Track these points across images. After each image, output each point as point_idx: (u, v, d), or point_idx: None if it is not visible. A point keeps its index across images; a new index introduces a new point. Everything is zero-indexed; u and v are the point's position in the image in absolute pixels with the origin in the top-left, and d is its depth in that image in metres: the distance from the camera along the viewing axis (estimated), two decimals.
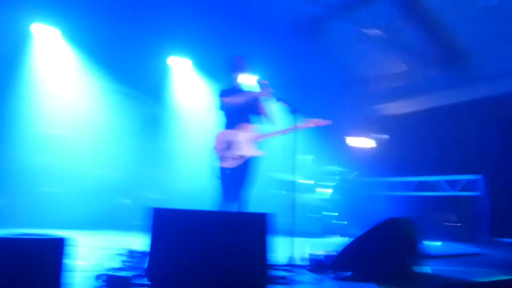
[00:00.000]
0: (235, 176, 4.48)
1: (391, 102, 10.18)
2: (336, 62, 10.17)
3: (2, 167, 6.94)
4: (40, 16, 7.63)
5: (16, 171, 7.02)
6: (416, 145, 9.26)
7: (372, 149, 10.00)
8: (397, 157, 9.51)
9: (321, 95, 9.88)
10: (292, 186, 4.46)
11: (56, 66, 7.88)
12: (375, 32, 7.96)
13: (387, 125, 10.36)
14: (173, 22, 8.45)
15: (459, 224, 7.72)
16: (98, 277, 2.87)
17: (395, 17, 7.92)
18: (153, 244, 2.85)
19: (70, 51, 8.02)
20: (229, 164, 4.44)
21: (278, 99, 4.24)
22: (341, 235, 7.48)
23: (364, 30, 8.14)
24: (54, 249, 2.04)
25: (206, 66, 8.96)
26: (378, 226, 3.66)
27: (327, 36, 9.48)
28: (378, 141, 10.13)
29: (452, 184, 8.13)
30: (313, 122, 4.64)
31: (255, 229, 3.02)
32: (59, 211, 6.85)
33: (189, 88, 9.22)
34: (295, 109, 3.99)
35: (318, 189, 8.46)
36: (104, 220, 7.27)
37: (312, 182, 8.48)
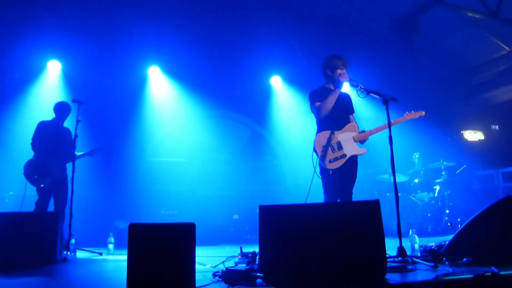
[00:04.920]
0: (338, 177, 4.43)
1: (498, 88, 9.48)
2: (439, 53, 9.79)
3: (124, 194, 7.80)
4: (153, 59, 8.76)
5: (136, 197, 7.85)
6: None
7: (480, 140, 9.37)
8: (509, 146, 8.80)
9: (425, 90, 9.63)
10: (397, 186, 4.05)
11: (166, 100, 8.83)
12: (480, 13, 7.50)
13: (496, 113, 9.64)
14: (269, 43, 8.94)
15: None
16: (214, 274, 3.15)
17: None
18: (262, 239, 2.96)
19: (174, 84, 8.94)
20: (331, 165, 4.37)
21: (368, 93, 4.25)
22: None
23: (468, 14, 7.72)
24: (187, 232, 2.41)
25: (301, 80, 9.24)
26: (495, 206, 3.47)
27: (427, 27, 9.18)
28: (486, 131, 9.47)
29: None
30: (407, 116, 4.58)
31: (369, 217, 2.99)
32: None
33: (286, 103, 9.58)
34: (386, 99, 3.97)
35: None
36: (219, 236, 7.75)
37: (416, 180, 8.21)
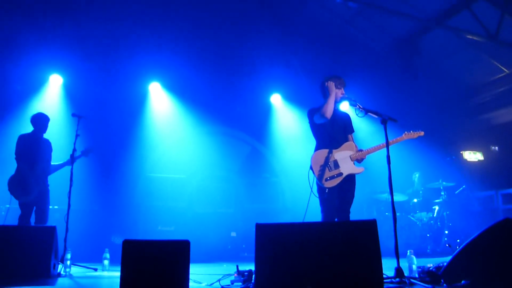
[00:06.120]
0: (336, 195, 4.40)
1: (498, 110, 9.53)
2: (439, 74, 9.86)
3: (121, 209, 7.76)
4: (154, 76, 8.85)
5: (133, 212, 7.81)
6: None
7: (480, 161, 9.36)
8: (508, 167, 8.79)
9: (424, 111, 9.66)
10: (396, 206, 3.99)
11: (166, 116, 8.90)
12: (479, 36, 7.62)
13: (495, 135, 9.66)
14: (270, 61, 9.03)
15: None
16: None
17: (497, 16, 7.52)
18: (258, 258, 2.95)
19: (175, 100, 8.99)
20: (328, 183, 4.34)
21: (367, 112, 4.27)
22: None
23: (468, 36, 7.82)
24: (182, 249, 2.38)
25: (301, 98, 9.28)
26: (493, 228, 3.44)
27: (428, 48, 9.27)
28: (486, 152, 9.47)
29: None
30: (405, 136, 4.58)
31: (366, 236, 2.98)
32: None
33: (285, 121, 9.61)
34: (385, 119, 3.98)
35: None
36: (216, 253, 7.68)
37: (415, 200, 8.17)
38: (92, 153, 6.07)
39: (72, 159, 5.59)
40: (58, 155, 6.08)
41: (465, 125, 10.05)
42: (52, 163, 5.95)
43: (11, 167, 5.73)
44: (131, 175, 8.16)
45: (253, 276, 3.08)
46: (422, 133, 4.58)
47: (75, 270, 5.17)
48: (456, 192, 8.35)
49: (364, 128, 8.43)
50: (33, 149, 5.74)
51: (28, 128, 5.92)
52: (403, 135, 4.56)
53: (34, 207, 5.63)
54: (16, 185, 5.51)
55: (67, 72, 8.27)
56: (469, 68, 9.34)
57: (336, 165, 4.44)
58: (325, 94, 4.69)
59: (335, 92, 4.57)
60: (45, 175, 5.79)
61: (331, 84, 4.60)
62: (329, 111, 4.47)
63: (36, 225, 5.49)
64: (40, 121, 5.87)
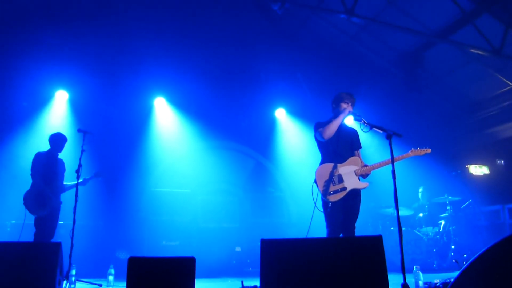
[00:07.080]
0: (340, 210, 4.37)
1: (503, 123, 9.50)
2: (443, 88, 9.87)
3: (126, 224, 7.75)
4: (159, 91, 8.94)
5: (138, 227, 7.80)
6: None
7: (485, 175, 9.31)
8: None
9: (429, 125, 9.65)
10: (402, 220, 3.91)
11: (171, 130, 8.95)
12: (483, 50, 7.66)
13: (501, 148, 9.62)
14: (275, 75, 9.09)
15: None
16: None
17: (501, 30, 7.57)
18: (263, 274, 2.91)
19: (179, 115, 9.05)
20: (331, 197, 4.34)
21: (371, 127, 4.27)
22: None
23: (472, 50, 7.86)
24: (187, 266, 2.38)
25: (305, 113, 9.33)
26: (501, 243, 3.40)
27: (432, 63, 9.26)
28: (492, 166, 9.42)
29: None
30: (412, 152, 4.56)
31: (372, 252, 2.96)
32: None
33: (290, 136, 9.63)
34: (389, 134, 3.98)
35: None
36: (221, 268, 7.64)
37: (421, 214, 8.11)
38: (102, 176, 6.20)
39: (78, 176, 5.61)
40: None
41: (471, 139, 10.03)
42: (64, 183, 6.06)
43: (18, 182, 5.77)
44: (136, 189, 8.17)
45: None
46: (429, 151, 4.54)
47: (80, 286, 5.16)
48: (462, 207, 8.29)
49: (370, 143, 8.43)
50: (49, 167, 5.86)
51: (35, 144, 5.99)
52: (409, 151, 4.52)
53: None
54: (32, 200, 5.59)
55: (73, 87, 8.35)
56: (474, 82, 9.34)
57: (340, 179, 4.44)
58: (333, 108, 4.75)
59: (344, 116, 4.57)
60: (58, 192, 5.89)
61: (345, 107, 4.62)
62: (328, 133, 4.49)
63: (42, 240, 5.49)
64: (58, 141, 6.02)
